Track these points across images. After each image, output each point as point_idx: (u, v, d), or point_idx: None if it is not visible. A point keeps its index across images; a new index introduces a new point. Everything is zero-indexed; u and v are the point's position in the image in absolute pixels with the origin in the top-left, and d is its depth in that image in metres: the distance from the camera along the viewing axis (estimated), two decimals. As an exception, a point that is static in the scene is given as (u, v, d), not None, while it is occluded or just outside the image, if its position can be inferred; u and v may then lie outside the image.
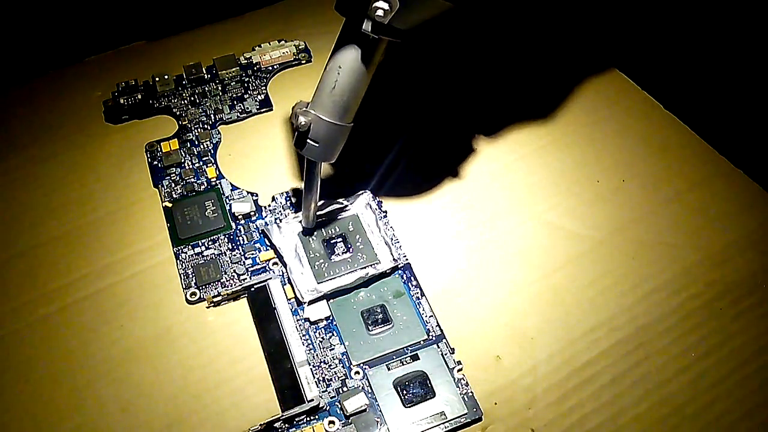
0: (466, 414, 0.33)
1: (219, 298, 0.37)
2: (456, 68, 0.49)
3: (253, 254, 0.39)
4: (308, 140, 0.33)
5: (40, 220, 0.41)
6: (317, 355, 0.35)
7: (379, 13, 0.29)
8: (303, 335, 0.36)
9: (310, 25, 0.52)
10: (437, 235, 0.40)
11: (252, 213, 0.41)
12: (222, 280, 0.38)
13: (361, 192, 0.41)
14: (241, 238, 0.40)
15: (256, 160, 0.44)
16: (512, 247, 0.40)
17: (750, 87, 0.47)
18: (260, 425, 0.32)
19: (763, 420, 0.33)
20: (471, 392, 0.34)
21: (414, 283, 0.38)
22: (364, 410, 0.33)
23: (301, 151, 0.34)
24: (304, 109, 0.33)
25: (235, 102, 0.47)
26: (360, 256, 0.38)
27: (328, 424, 0.33)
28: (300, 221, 0.39)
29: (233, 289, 0.37)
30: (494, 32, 0.51)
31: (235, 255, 0.39)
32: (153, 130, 0.45)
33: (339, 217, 0.40)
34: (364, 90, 0.33)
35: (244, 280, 0.38)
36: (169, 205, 0.41)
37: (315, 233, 0.39)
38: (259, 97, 0.47)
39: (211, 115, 0.46)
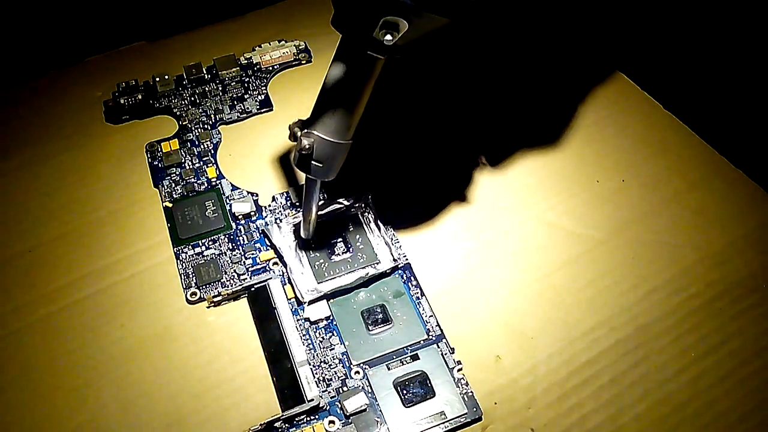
0: (466, 414, 0.33)
1: (219, 297, 0.37)
2: (453, 68, 0.49)
3: (253, 254, 0.39)
4: (312, 162, 0.32)
5: (40, 220, 0.41)
6: (317, 355, 0.35)
7: (388, 37, 0.28)
8: (303, 335, 0.36)
9: (311, 26, 0.52)
10: (437, 235, 0.40)
11: (252, 213, 0.41)
12: (222, 280, 0.38)
13: (361, 192, 0.41)
14: (241, 238, 0.40)
15: (256, 160, 0.44)
16: (512, 247, 0.40)
17: (749, 87, 0.47)
18: (260, 425, 0.32)
19: (763, 419, 0.33)
20: (471, 392, 0.34)
21: (414, 283, 0.38)
22: (364, 410, 0.34)
23: (305, 172, 0.33)
24: (306, 130, 0.32)
25: (236, 102, 0.47)
26: (360, 256, 0.38)
27: (328, 423, 0.33)
28: (296, 230, 0.39)
29: (233, 289, 0.37)
30: (493, 33, 0.51)
31: (235, 255, 0.39)
32: (153, 131, 0.45)
33: (339, 217, 0.40)
34: (364, 106, 0.32)
35: (244, 279, 0.38)
36: (170, 205, 0.41)
37: (315, 234, 0.39)
38: (259, 97, 0.47)
39: (212, 115, 0.46)
